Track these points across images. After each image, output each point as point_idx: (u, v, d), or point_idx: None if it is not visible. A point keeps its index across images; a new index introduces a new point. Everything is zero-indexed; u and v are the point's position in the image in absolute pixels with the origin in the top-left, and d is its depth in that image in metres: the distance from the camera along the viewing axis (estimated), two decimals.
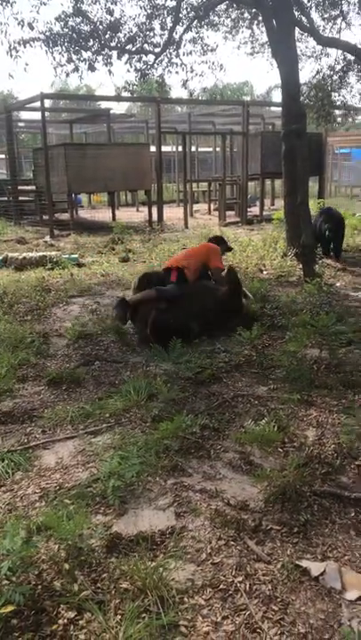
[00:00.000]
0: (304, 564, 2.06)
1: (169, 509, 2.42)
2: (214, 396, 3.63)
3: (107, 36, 8.84)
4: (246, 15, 10.32)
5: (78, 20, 8.63)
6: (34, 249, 9.89)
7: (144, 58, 9.49)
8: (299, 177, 7.34)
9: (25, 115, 20.90)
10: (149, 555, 2.10)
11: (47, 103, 13.24)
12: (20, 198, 14.80)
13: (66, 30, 8.55)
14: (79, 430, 3.20)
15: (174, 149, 22.27)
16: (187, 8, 9.38)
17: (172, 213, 15.48)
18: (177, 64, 9.71)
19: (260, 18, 9.29)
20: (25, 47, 8.48)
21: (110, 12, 8.75)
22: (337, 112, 11.85)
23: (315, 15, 10.43)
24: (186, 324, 4.64)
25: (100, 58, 8.95)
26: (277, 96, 39.26)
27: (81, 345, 4.70)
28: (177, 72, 10.14)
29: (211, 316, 4.81)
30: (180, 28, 9.43)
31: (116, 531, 2.25)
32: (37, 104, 12.38)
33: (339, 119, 12.24)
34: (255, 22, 10.35)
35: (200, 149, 24.32)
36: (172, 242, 10.35)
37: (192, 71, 9.98)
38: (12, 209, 14.28)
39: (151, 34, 9.26)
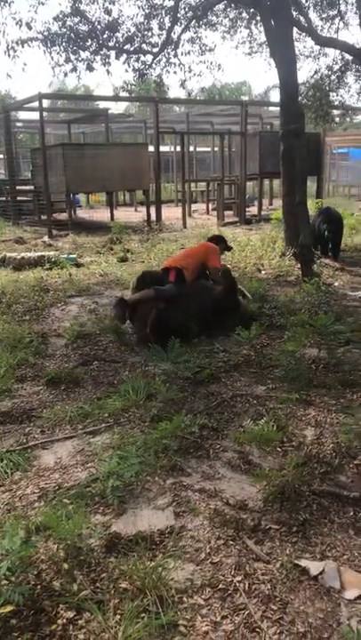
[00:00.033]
0: (303, 563, 2.07)
1: (168, 509, 2.42)
2: (213, 395, 3.63)
3: (105, 36, 8.84)
4: (244, 15, 10.33)
5: (76, 19, 8.63)
6: (32, 249, 9.88)
7: (142, 58, 9.49)
8: (297, 177, 7.35)
9: (23, 115, 20.90)
10: (148, 554, 2.09)
11: (45, 103, 13.27)
12: (19, 198, 14.78)
13: (64, 30, 8.55)
14: (78, 430, 3.20)
15: (172, 149, 22.26)
16: (185, 8, 9.38)
17: (171, 213, 15.48)
18: (175, 64, 9.73)
19: (259, 18, 9.30)
20: (23, 47, 8.49)
21: (108, 12, 8.75)
22: (335, 112, 11.85)
23: (313, 15, 10.46)
24: (185, 324, 4.64)
25: (98, 58, 8.97)
26: (275, 96, 39.32)
27: (79, 345, 4.70)
28: (175, 72, 10.23)
29: (209, 316, 4.81)
30: (178, 28, 9.44)
31: (115, 530, 2.25)
32: (35, 104, 12.38)
33: (337, 119, 12.21)
34: (253, 22, 10.36)
35: (198, 149, 24.32)
36: (171, 242, 10.35)
37: (190, 71, 10.02)
38: (11, 209, 14.27)
39: (149, 34, 9.27)
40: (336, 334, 4.00)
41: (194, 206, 17.79)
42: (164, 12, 9.18)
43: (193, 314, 4.77)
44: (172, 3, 9.09)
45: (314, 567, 2.04)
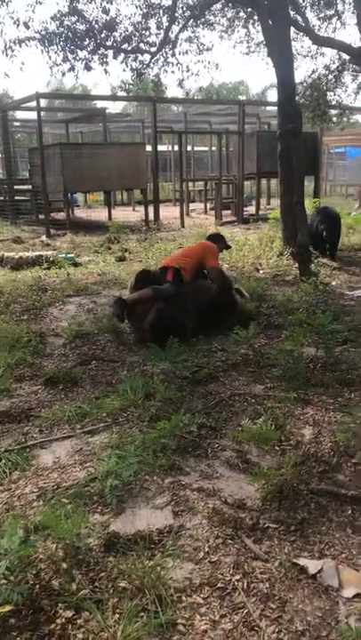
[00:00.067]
0: (301, 561, 2.07)
1: (166, 508, 2.42)
2: (211, 394, 3.63)
3: (102, 36, 8.82)
4: (242, 14, 10.32)
5: (74, 19, 8.60)
6: (30, 248, 9.87)
7: (140, 57, 9.48)
8: (294, 176, 7.35)
9: (20, 114, 20.83)
10: (147, 554, 2.10)
11: (43, 103, 13.27)
12: (16, 198, 14.77)
13: (61, 29, 8.52)
14: (76, 430, 3.20)
15: (170, 149, 22.26)
16: (182, 7, 9.38)
17: (169, 212, 15.47)
18: (173, 63, 9.71)
19: (256, 17, 9.30)
20: (20, 46, 8.47)
21: (106, 12, 8.73)
22: (332, 111, 11.84)
23: (310, 15, 10.45)
24: (183, 323, 4.64)
25: (95, 57, 8.94)
26: (273, 95, 39.28)
27: (78, 344, 4.70)
28: (173, 71, 10.12)
29: (206, 315, 4.82)
30: (175, 28, 9.43)
31: (113, 530, 2.25)
32: (33, 103, 12.36)
33: (334, 118, 12.21)
34: (251, 21, 10.35)
35: (196, 149, 24.35)
36: (169, 241, 10.35)
37: (188, 70, 10.01)
38: (9, 208, 14.25)
39: (147, 33, 9.26)
40: (334, 333, 4.01)
41: (192, 206, 17.79)
42: (161, 11, 9.17)
43: (191, 313, 4.77)
44: (169, 2, 9.09)
45: (312, 566, 2.05)
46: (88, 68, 8.91)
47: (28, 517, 2.33)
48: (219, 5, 9.92)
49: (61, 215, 14.29)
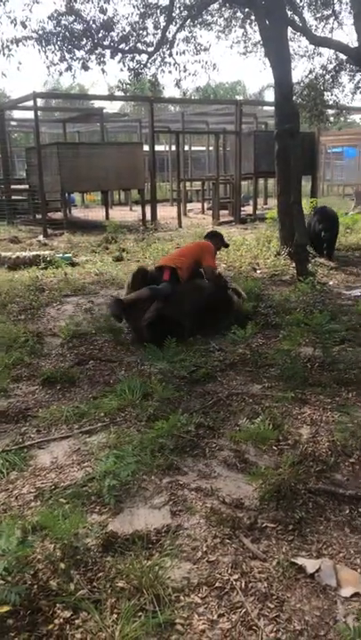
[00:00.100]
0: (299, 561, 2.07)
1: (164, 508, 2.42)
2: (209, 394, 3.63)
3: (100, 35, 8.81)
4: (239, 14, 10.32)
5: (71, 18, 8.60)
6: (27, 248, 9.86)
7: (137, 57, 9.48)
8: (292, 176, 7.36)
9: (17, 114, 20.86)
10: (145, 553, 2.10)
11: (40, 102, 13.24)
12: (13, 197, 14.76)
13: (59, 29, 8.52)
14: (74, 430, 3.19)
15: (167, 148, 22.26)
16: (180, 7, 9.38)
17: (166, 212, 15.47)
18: (170, 63, 9.71)
19: (253, 17, 9.30)
20: (18, 46, 8.47)
21: (103, 11, 8.73)
22: (329, 111, 11.87)
23: (307, 15, 10.47)
24: (180, 323, 4.65)
25: (93, 57, 8.94)
26: (270, 95, 39.26)
27: (75, 344, 4.69)
28: (170, 71, 10.14)
29: (203, 314, 4.82)
30: (173, 28, 9.43)
31: (111, 530, 2.25)
32: (30, 103, 12.36)
33: (331, 118, 12.24)
34: (248, 21, 10.35)
35: (193, 148, 24.34)
36: (166, 241, 10.35)
37: (185, 70, 10.00)
38: (5, 208, 14.23)
39: (144, 33, 9.25)
40: (331, 333, 4.01)
41: (189, 205, 17.80)
42: (159, 11, 9.17)
43: (188, 312, 4.78)
44: (167, 2, 9.08)
45: (310, 565, 2.05)
46: (85, 67, 8.92)
47: (25, 518, 2.32)
48: (216, 5, 9.93)
49: (59, 215, 14.28)
